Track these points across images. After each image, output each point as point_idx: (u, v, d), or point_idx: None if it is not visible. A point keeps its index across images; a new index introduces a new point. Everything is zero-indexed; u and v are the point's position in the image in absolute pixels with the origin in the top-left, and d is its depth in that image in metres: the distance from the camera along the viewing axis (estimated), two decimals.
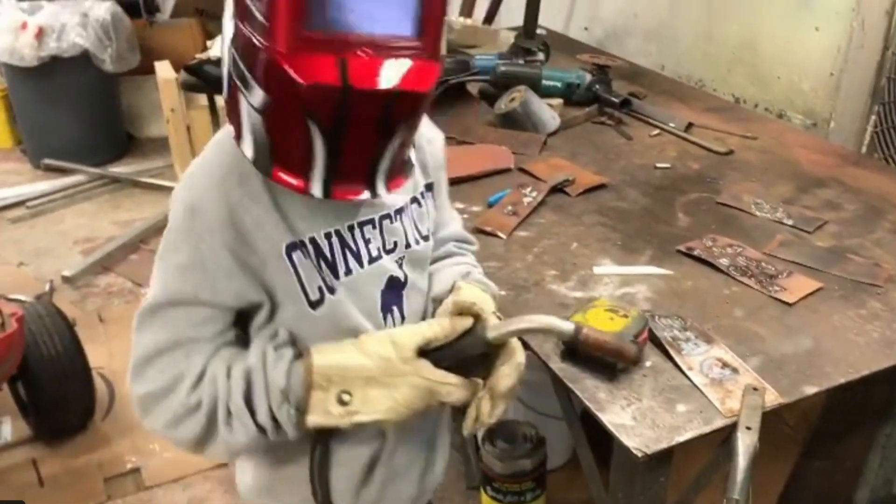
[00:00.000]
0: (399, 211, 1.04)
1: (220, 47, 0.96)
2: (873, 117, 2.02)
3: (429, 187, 1.11)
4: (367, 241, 1.01)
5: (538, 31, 2.58)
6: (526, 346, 1.28)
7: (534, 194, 1.70)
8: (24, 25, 3.74)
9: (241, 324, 0.98)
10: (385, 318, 1.03)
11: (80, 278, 3.24)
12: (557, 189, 1.75)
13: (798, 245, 1.55)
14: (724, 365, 1.21)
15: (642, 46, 2.79)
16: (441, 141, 1.15)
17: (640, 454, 1.06)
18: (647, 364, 1.22)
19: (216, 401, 0.91)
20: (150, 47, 4.25)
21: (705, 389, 1.16)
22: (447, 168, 1.16)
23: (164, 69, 3.71)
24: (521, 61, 2.35)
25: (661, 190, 1.79)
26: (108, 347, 2.76)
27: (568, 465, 2.35)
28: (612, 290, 1.41)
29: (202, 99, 3.52)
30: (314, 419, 0.92)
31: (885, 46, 1.97)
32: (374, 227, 1.02)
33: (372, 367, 0.91)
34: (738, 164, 1.93)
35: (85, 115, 4.13)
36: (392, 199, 1.02)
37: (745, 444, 1.04)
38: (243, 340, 0.98)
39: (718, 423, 1.10)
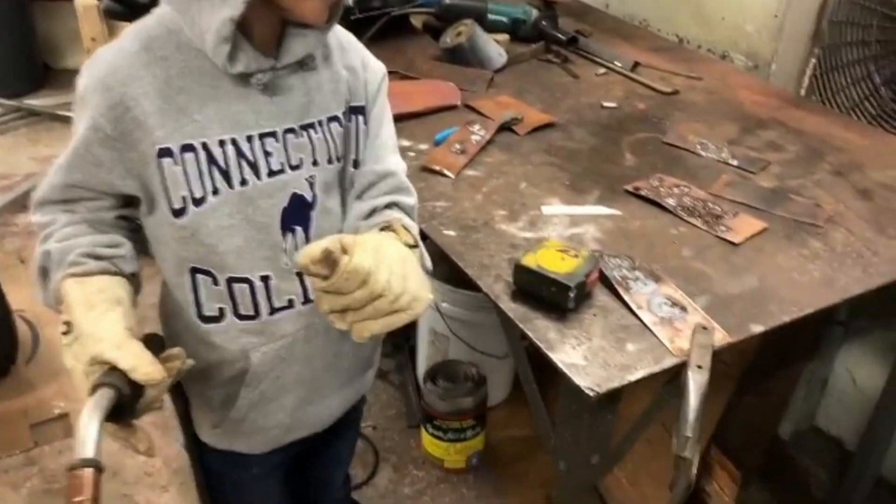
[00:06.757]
0: (308, 126, 1.02)
1: None
2: (813, 60, 2.03)
3: (357, 110, 1.08)
4: (267, 154, 0.99)
5: None
6: (475, 287, 1.27)
7: (482, 133, 1.66)
8: None
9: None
10: (285, 236, 1.03)
11: None
12: (505, 128, 1.71)
13: (743, 186, 1.56)
14: (673, 304, 1.21)
15: None
16: (381, 72, 1.12)
17: (592, 393, 1.05)
18: (598, 303, 1.21)
19: (35, 260, 0.99)
20: None
21: (655, 329, 1.16)
22: (389, 103, 1.13)
23: None
24: None
25: (608, 129, 1.78)
26: (30, 289, 2.63)
27: (506, 402, 2.38)
28: (561, 231, 1.39)
29: (126, 27, 3.34)
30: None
31: None
32: (276, 141, 1.00)
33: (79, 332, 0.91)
34: (683, 104, 1.92)
35: None
36: (299, 113, 1.00)
37: (696, 382, 1.04)
38: (127, 221, 1.04)
39: (668, 362, 1.11)
